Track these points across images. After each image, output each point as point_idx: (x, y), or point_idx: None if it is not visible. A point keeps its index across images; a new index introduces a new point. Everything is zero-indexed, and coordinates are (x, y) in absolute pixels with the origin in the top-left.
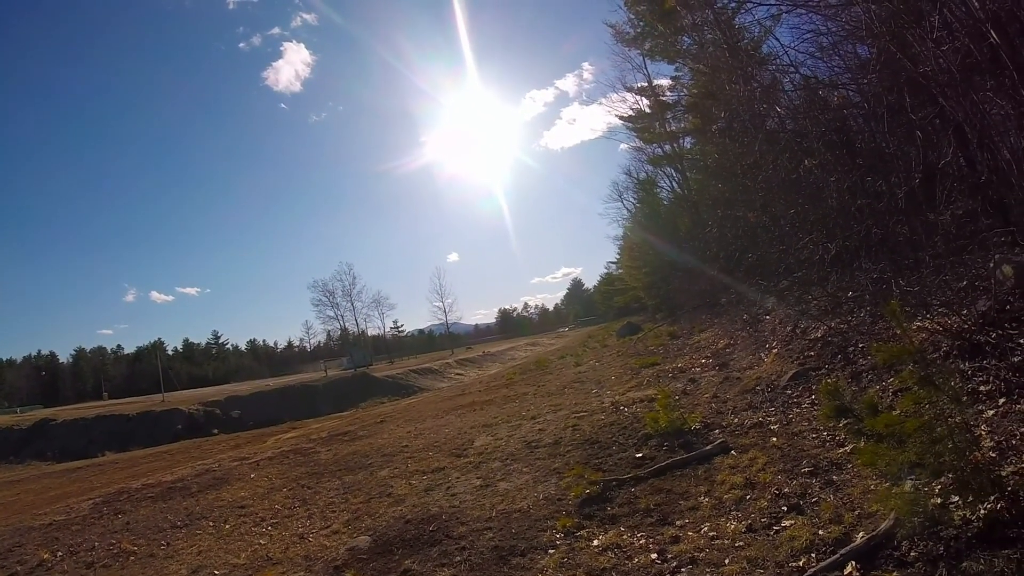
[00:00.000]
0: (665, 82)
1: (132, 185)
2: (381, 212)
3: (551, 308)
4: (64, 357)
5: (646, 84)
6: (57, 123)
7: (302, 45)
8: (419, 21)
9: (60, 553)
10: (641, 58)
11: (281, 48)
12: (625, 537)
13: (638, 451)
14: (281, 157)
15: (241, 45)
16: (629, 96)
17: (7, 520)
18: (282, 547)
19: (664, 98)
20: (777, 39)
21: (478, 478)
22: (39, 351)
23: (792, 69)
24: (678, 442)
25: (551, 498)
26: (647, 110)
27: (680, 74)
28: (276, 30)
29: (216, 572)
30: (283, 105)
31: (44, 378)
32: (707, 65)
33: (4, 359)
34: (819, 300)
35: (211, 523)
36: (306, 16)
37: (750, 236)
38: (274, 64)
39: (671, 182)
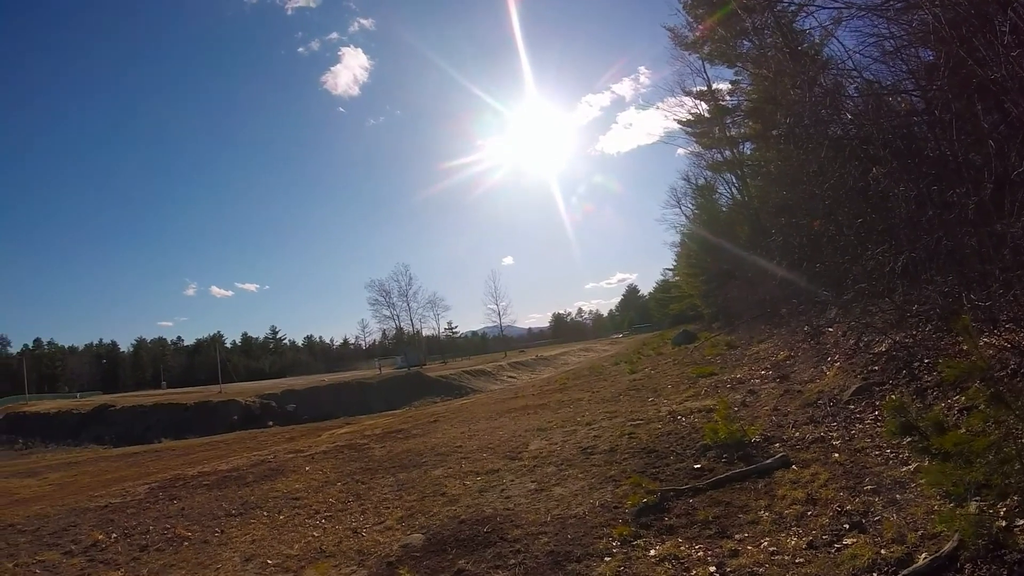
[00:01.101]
0: (724, 86)
1: (196, 185)
2: (438, 214)
3: (605, 314)
4: (125, 347)
5: (705, 88)
6: (124, 127)
7: (359, 50)
8: (475, 27)
9: (114, 535)
10: (700, 62)
11: (339, 53)
12: (683, 548)
13: (696, 462)
14: (340, 159)
15: (300, 50)
16: (687, 100)
17: (63, 500)
18: (335, 540)
19: (723, 103)
20: (840, 42)
21: (533, 482)
22: (100, 340)
23: (855, 73)
24: (737, 454)
25: (607, 505)
26: (706, 115)
27: (740, 78)
28: (334, 35)
29: (269, 562)
30: (341, 109)
31: (105, 366)
32: (769, 69)
33: (67, 347)
34: (884, 313)
35: (265, 513)
36: (363, 22)
37: (814, 245)
38: (332, 69)
39: (730, 188)
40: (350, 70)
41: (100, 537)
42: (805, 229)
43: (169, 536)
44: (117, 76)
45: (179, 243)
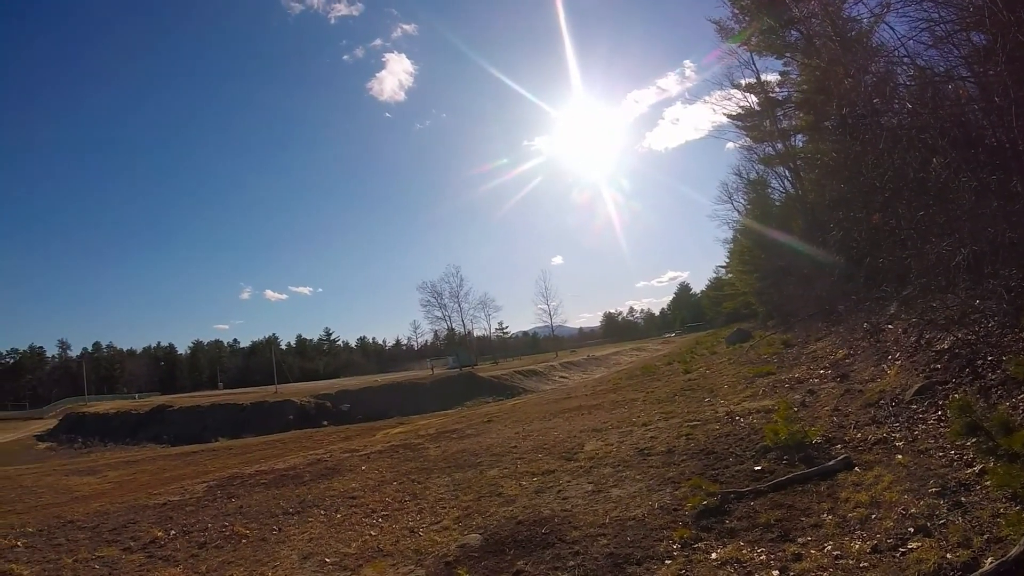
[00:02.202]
0: (773, 78)
1: (248, 192)
2: (487, 214)
3: (657, 313)
4: (182, 349)
5: (754, 80)
6: (178, 137)
7: (403, 55)
8: (518, 26)
9: (173, 532)
10: (748, 54)
11: (383, 59)
12: (744, 552)
13: (756, 464)
14: (388, 164)
15: (345, 58)
16: (736, 93)
17: (122, 498)
18: (392, 539)
19: (773, 94)
20: (891, 28)
21: (589, 483)
22: (158, 343)
23: (906, 60)
24: (798, 456)
25: (666, 508)
26: (756, 107)
27: (789, 69)
28: (378, 42)
29: (327, 560)
30: (388, 114)
31: (162, 368)
32: (819, 59)
33: (125, 350)
34: (946, 309)
35: (322, 512)
36: (406, 27)
37: (872, 239)
38: (378, 75)
39: (783, 182)
40: (395, 76)
41: (159, 534)
42: (863, 223)
43: (227, 534)
44: (167, 87)
45: (234, 249)
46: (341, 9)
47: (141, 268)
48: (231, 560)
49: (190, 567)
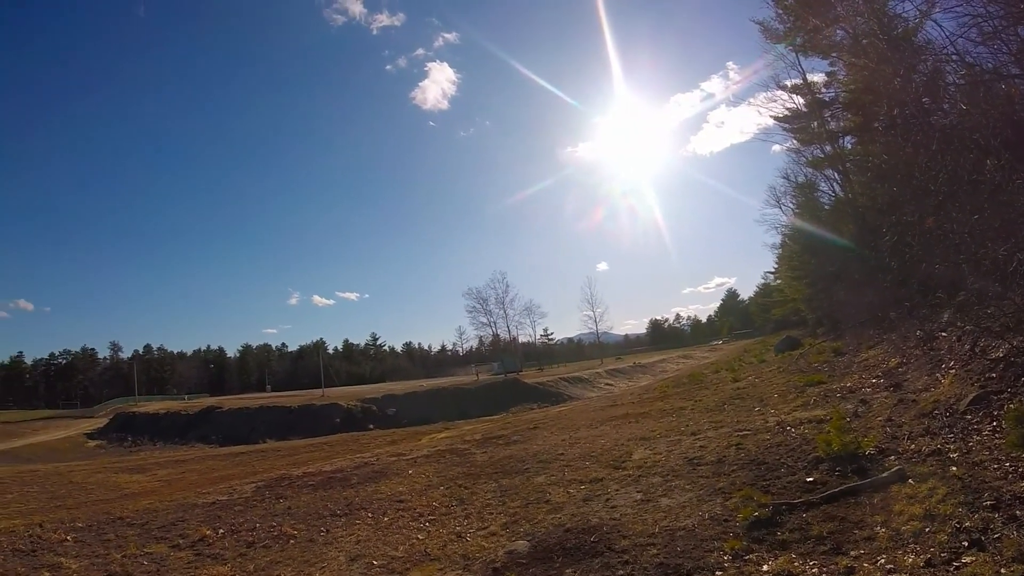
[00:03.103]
0: (819, 78)
1: (297, 199)
2: (531, 221)
3: (704, 320)
4: (231, 352)
5: (800, 81)
6: (228, 146)
7: (445, 64)
8: (560, 32)
9: (221, 531)
10: (793, 54)
11: (426, 68)
12: (796, 564)
13: (808, 475)
14: (432, 171)
15: (388, 68)
16: (782, 95)
17: (171, 496)
18: (440, 544)
19: (820, 95)
20: (938, 24)
21: (638, 492)
22: (208, 346)
23: (955, 57)
24: (851, 467)
25: (717, 518)
26: (803, 109)
27: (835, 69)
28: (420, 51)
29: (375, 563)
30: (432, 123)
31: (212, 370)
32: (867, 58)
33: (176, 352)
34: (1002, 315)
35: (370, 514)
36: (448, 36)
37: (925, 244)
38: (420, 84)
39: (832, 185)
40: (438, 84)
41: (207, 532)
42: (916, 227)
43: (275, 534)
44: (212, 99)
45: (283, 255)
46: (383, 20)
47: (192, 273)
48: (279, 560)
49: (238, 566)
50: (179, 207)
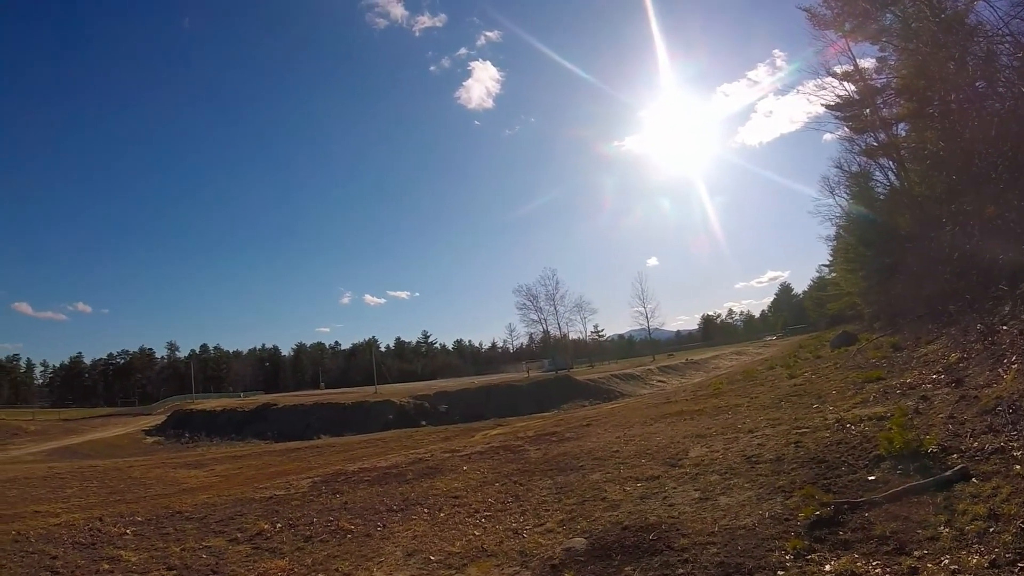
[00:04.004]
0: (869, 64)
1: (347, 202)
2: (580, 217)
3: (757, 315)
4: (286, 351)
5: (851, 68)
6: (280, 151)
7: (488, 63)
8: (602, 26)
9: (279, 525)
10: (843, 40)
11: (469, 68)
12: (859, 564)
13: (870, 473)
14: (481, 170)
15: (432, 69)
16: (832, 82)
17: (229, 491)
18: (496, 540)
19: (872, 81)
20: (991, 5)
21: (696, 490)
22: (263, 345)
23: (1008, 39)
24: (913, 466)
25: (777, 517)
26: (854, 96)
27: (886, 54)
28: (463, 51)
29: (432, 558)
30: (477, 122)
31: (267, 368)
32: (919, 41)
33: (231, 351)
34: None
35: (426, 510)
36: (489, 34)
37: (986, 233)
38: (464, 84)
39: (887, 174)
40: (481, 83)
41: (265, 527)
42: (976, 216)
43: (332, 528)
44: (259, 103)
45: (335, 256)
46: (425, 21)
47: (247, 274)
48: (336, 554)
49: (296, 559)
50: (233, 210)
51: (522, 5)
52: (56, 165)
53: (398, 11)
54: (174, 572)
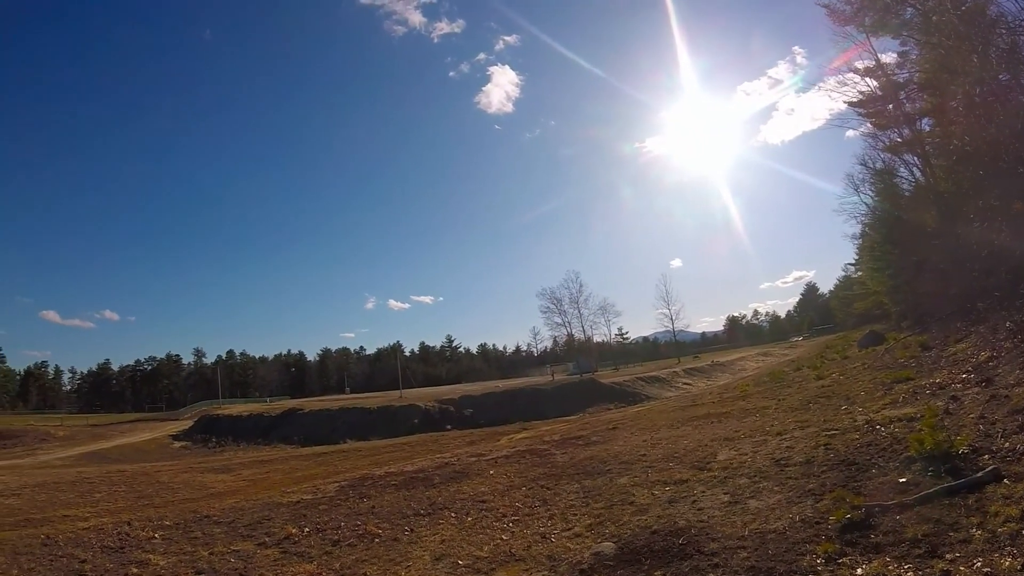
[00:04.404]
0: (891, 59)
1: (370, 208)
2: (602, 219)
3: (783, 315)
4: (311, 356)
5: (872, 63)
6: (303, 157)
7: (507, 67)
8: (620, 27)
9: (307, 529)
10: (863, 35)
11: (488, 72)
12: (891, 568)
13: (900, 475)
14: (501, 174)
15: (451, 74)
16: (853, 78)
17: (256, 495)
18: (524, 544)
19: (894, 76)
20: None
21: (725, 493)
22: (289, 350)
23: None
24: (944, 467)
25: (808, 520)
26: (877, 92)
27: (907, 48)
28: (481, 56)
29: (460, 562)
30: (497, 126)
31: (293, 374)
32: (940, 35)
33: (257, 356)
34: None
35: (453, 514)
36: (507, 39)
37: (1014, 229)
38: (484, 89)
39: (912, 171)
40: (501, 88)
41: (293, 531)
42: (1004, 212)
43: (360, 532)
44: (281, 111)
45: (358, 261)
46: (443, 28)
47: (273, 280)
48: (364, 558)
49: (324, 564)
50: (257, 217)
51: (540, 8)
52: (81, 174)
53: (416, 18)
54: None
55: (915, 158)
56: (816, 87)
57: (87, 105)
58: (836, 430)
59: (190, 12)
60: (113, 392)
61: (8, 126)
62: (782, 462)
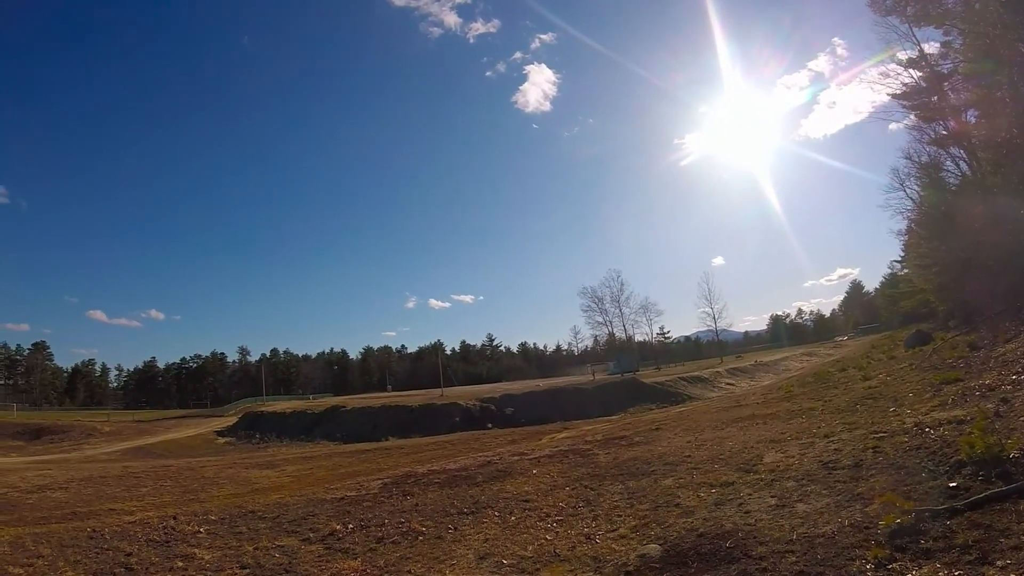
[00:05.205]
0: (934, 49)
1: (409, 208)
2: (643, 217)
3: (827, 314)
4: (353, 354)
5: (915, 54)
6: (342, 162)
7: (543, 65)
8: (656, 22)
9: (351, 526)
10: (905, 26)
11: (525, 71)
12: (941, 574)
13: (951, 480)
14: (541, 173)
15: (488, 74)
16: (896, 69)
17: (300, 491)
18: (569, 545)
19: (938, 67)
20: None
21: (772, 496)
22: (331, 349)
23: None
24: (995, 471)
25: (857, 525)
26: (921, 83)
27: (950, 38)
28: (518, 55)
29: (504, 561)
30: (535, 125)
31: (335, 371)
32: (983, 22)
33: (301, 354)
34: None
35: (496, 513)
36: (543, 37)
37: None
38: (521, 88)
39: (958, 164)
40: (538, 86)
41: (337, 527)
42: None
43: (404, 530)
44: (320, 116)
45: (399, 261)
46: (478, 28)
47: (315, 280)
48: (408, 556)
49: (368, 560)
50: (300, 217)
51: (575, 5)
52: (126, 177)
53: (452, 19)
54: (247, 571)
55: (961, 151)
56: (858, 79)
57: (133, 108)
58: (884, 432)
59: (229, 19)
60: (159, 389)
61: (57, 129)
62: (830, 465)
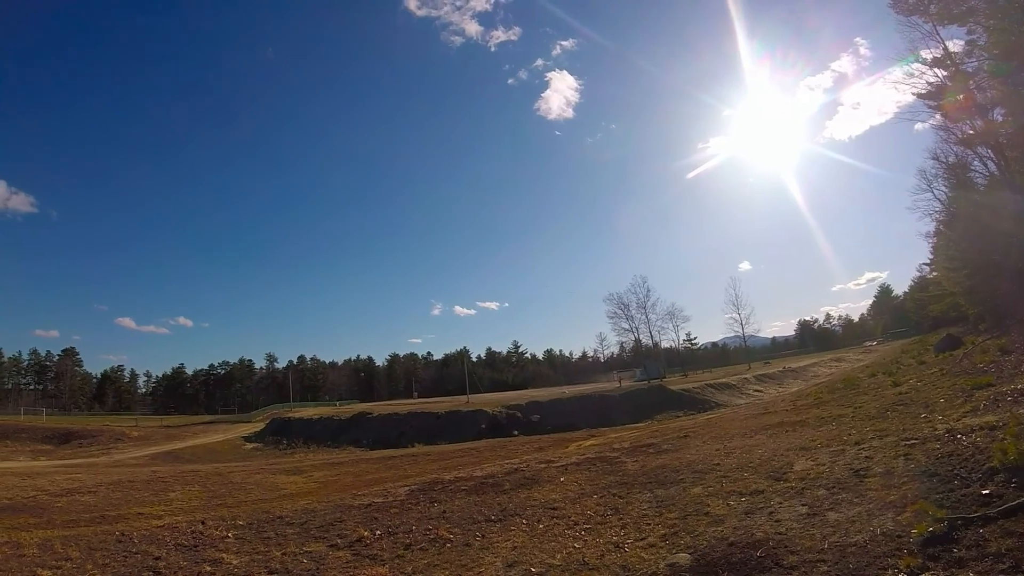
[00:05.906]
0: (959, 47)
1: (435, 216)
2: (668, 222)
3: (856, 319)
4: (380, 361)
5: (940, 53)
6: (368, 173)
7: (565, 72)
8: (679, 25)
9: (378, 532)
10: (929, 24)
11: (547, 78)
12: None
13: (983, 487)
14: (564, 180)
15: (510, 82)
16: (921, 68)
17: (328, 497)
18: (597, 553)
19: (963, 66)
20: None
21: (803, 505)
22: (358, 356)
23: None
24: None
25: (889, 534)
26: (946, 82)
27: (974, 36)
28: (539, 62)
29: (532, 569)
30: (558, 132)
31: (362, 378)
32: (1008, 18)
33: (327, 361)
34: None
35: (524, 521)
36: (564, 43)
37: None
38: (543, 95)
39: (985, 164)
40: (560, 93)
41: (365, 533)
42: None
43: (431, 537)
44: (345, 127)
45: (425, 268)
46: (499, 36)
47: (342, 287)
48: (436, 563)
49: (396, 567)
50: (327, 226)
51: (595, 11)
52: (154, 187)
53: (473, 28)
54: None
55: (989, 151)
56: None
57: (161, 118)
58: (916, 439)
59: (254, 31)
60: (187, 395)
61: (85, 139)
62: (861, 473)
